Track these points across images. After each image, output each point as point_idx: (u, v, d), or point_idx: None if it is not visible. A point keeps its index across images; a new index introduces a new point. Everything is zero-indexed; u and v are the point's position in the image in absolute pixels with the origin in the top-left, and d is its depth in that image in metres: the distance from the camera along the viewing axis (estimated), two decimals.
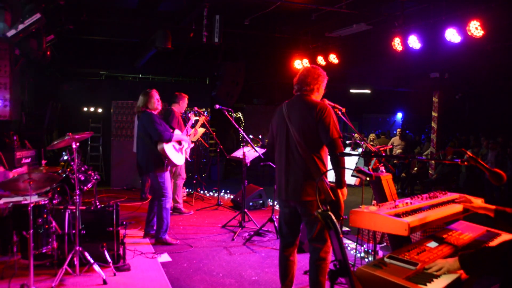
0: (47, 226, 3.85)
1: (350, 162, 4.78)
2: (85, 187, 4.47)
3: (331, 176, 4.75)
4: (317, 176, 3.11)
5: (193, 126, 6.55)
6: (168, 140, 4.93)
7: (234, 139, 12.76)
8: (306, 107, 3.21)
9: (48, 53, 7.30)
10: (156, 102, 5.04)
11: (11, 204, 3.85)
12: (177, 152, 5.22)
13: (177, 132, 5.25)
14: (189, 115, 5.95)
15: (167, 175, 5.03)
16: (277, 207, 7.17)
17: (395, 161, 10.29)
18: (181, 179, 6.63)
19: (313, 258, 3.24)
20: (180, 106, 6.27)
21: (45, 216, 3.85)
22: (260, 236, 5.49)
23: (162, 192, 4.94)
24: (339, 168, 3.11)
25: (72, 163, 4.01)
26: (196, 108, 6.49)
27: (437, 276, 2.15)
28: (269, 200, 7.45)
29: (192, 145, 6.48)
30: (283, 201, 3.37)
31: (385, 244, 5.00)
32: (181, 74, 12.66)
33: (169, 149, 4.98)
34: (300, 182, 3.18)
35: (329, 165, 3.29)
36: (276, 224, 5.46)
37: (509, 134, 9.87)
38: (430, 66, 10.06)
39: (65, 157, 4.76)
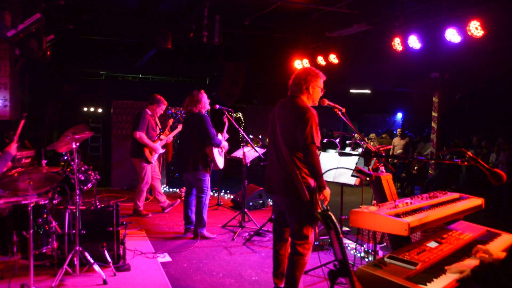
0: (47, 226, 3.85)
1: (350, 162, 4.78)
2: (85, 187, 4.47)
3: (330, 176, 4.76)
4: (295, 176, 3.20)
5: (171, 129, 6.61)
6: (218, 145, 5.29)
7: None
8: (291, 109, 3.30)
9: (48, 53, 7.29)
10: (207, 103, 5.38)
11: (11, 204, 3.85)
12: (220, 156, 5.53)
13: (219, 136, 5.46)
14: (224, 119, 5.90)
15: (208, 174, 5.31)
16: None
17: (395, 161, 10.30)
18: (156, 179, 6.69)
19: (292, 253, 3.33)
20: (156, 111, 6.39)
21: (45, 216, 3.86)
22: (260, 236, 5.49)
23: (203, 189, 5.23)
24: (315, 173, 3.15)
25: (72, 163, 4.02)
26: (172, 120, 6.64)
27: (437, 276, 2.15)
28: (269, 200, 7.44)
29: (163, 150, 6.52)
30: (271, 197, 3.53)
31: (385, 244, 5.00)
32: (181, 74, 12.64)
33: (215, 152, 5.32)
34: (281, 180, 3.29)
35: (326, 166, 3.31)
36: None
37: (509, 134, 9.85)
38: (430, 66, 10.05)
39: (65, 157, 4.76)
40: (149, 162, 6.28)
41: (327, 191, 3.22)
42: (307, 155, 3.14)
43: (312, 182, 3.24)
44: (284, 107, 3.40)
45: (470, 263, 2.27)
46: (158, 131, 6.45)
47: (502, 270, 1.97)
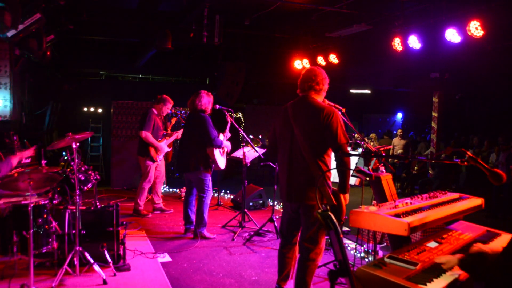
0: (47, 226, 3.85)
1: (350, 162, 4.78)
2: (85, 187, 4.46)
3: (333, 177, 4.76)
4: (320, 180, 3.11)
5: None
6: (219, 146, 5.27)
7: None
8: (312, 110, 3.18)
9: (48, 53, 7.30)
10: (210, 106, 5.38)
11: (11, 204, 3.85)
12: (221, 156, 5.51)
13: (221, 137, 5.44)
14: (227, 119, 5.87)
15: (209, 174, 5.32)
16: (277, 207, 7.16)
17: (395, 161, 10.30)
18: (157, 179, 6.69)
19: (303, 258, 3.25)
20: (162, 110, 6.42)
21: (45, 216, 3.85)
22: (260, 236, 5.49)
23: (204, 189, 5.22)
24: (345, 173, 3.11)
25: (72, 163, 4.02)
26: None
27: (437, 276, 2.15)
28: (269, 200, 7.44)
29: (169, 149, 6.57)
30: (286, 202, 3.38)
31: (385, 244, 5.00)
32: (181, 74, 12.65)
33: (216, 153, 5.31)
34: (303, 186, 3.17)
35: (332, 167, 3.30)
36: (276, 224, 5.47)
37: (509, 134, 9.85)
38: (430, 66, 10.06)
39: (65, 157, 4.76)
40: (154, 161, 6.32)
41: (347, 195, 3.18)
42: (343, 155, 3.08)
43: (331, 184, 3.17)
44: (300, 109, 3.24)
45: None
46: (164, 130, 6.52)
47: (498, 261, 1.98)
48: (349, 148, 6.56)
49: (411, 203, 2.97)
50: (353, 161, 4.79)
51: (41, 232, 3.79)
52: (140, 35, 8.47)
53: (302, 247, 3.26)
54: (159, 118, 6.42)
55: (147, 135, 6.15)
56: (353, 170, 3.46)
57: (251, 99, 13.13)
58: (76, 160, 3.96)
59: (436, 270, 2.22)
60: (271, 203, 7.18)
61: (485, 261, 2.04)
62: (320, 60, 8.49)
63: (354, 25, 6.89)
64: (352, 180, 4.75)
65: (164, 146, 6.40)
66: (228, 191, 8.62)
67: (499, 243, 2.71)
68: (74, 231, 3.88)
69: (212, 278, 4.13)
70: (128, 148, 8.94)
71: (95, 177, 4.60)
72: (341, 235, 1.82)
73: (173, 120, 7.01)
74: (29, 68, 8.83)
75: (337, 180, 4.81)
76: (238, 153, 6.16)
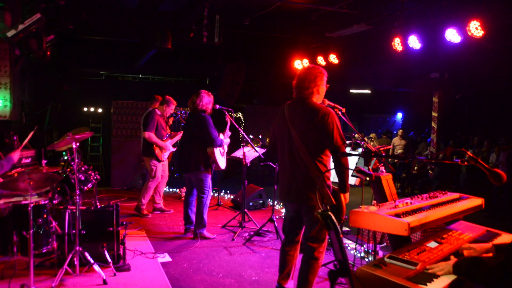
0: (47, 226, 3.86)
1: (350, 162, 4.78)
2: (85, 187, 4.47)
3: (333, 177, 4.76)
4: (319, 180, 3.11)
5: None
6: (220, 146, 5.28)
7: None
8: (308, 112, 3.16)
9: (48, 53, 7.29)
10: (210, 106, 5.38)
11: (11, 204, 3.85)
12: (222, 156, 5.52)
13: (221, 136, 5.44)
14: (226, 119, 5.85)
15: (209, 175, 5.33)
16: (277, 207, 7.16)
17: (395, 161, 10.30)
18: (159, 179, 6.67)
19: (307, 256, 3.26)
20: (165, 111, 6.45)
21: (45, 216, 3.86)
22: (260, 236, 5.49)
23: (203, 190, 5.22)
24: (343, 174, 3.12)
25: (72, 163, 4.02)
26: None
27: (437, 276, 2.15)
28: (269, 200, 7.44)
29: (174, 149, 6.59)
30: (287, 203, 3.39)
31: (385, 244, 5.01)
32: (181, 74, 12.65)
33: (217, 153, 5.31)
34: (302, 187, 3.17)
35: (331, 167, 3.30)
36: (276, 224, 5.47)
37: (509, 134, 9.86)
38: (430, 66, 10.07)
39: (65, 157, 4.76)
40: (159, 161, 6.35)
41: (348, 194, 3.19)
42: (341, 157, 3.07)
43: (331, 184, 3.18)
44: (296, 111, 3.23)
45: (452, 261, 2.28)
46: (168, 130, 6.53)
47: (499, 264, 1.98)
48: (349, 148, 6.55)
49: (411, 203, 2.97)
50: (353, 161, 4.79)
51: (41, 232, 3.79)
52: (140, 35, 8.46)
53: (306, 246, 3.27)
54: (162, 118, 6.44)
55: (150, 135, 6.17)
56: (353, 170, 3.46)
57: (251, 99, 13.12)
58: (76, 160, 3.96)
59: None
60: (271, 203, 7.18)
61: (480, 265, 2.04)
62: (320, 60, 8.49)
63: (354, 25, 6.88)
64: (352, 180, 4.75)
65: (169, 145, 6.43)
66: (228, 191, 8.62)
67: (499, 243, 2.71)
68: (74, 231, 3.88)
69: (212, 278, 4.13)
70: (128, 148, 8.94)
71: (95, 177, 4.61)
72: (341, 235, 1.82)
73: (171, 120, 7.02)
74: (29, 68, 8.82)
75: (337, 180, 4.83)
76: (238, 153, 6.16)
